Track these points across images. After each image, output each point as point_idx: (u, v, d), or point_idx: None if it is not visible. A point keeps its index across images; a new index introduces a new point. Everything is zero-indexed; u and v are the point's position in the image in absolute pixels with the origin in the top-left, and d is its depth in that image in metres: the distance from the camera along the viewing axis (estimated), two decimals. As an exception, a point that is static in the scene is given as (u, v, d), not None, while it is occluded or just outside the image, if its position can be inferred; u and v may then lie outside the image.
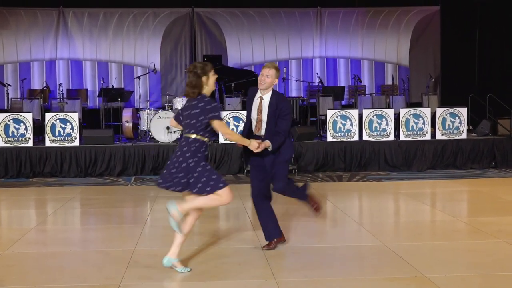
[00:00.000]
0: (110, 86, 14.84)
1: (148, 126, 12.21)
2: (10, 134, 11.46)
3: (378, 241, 6.30)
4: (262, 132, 5.81)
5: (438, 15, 16.55)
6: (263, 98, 5.82)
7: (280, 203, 8.51)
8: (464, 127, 12.30)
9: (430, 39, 16.68)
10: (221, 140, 11.64)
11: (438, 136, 12.25)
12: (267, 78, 5.75)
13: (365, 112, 12.14)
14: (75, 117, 11.69)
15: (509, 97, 12.94)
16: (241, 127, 11.70)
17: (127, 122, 12.88)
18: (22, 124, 11.52)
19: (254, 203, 5.98)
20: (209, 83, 5.32)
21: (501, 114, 13.34)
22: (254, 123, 5.87)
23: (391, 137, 12.08)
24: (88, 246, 6.45)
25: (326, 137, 12.15)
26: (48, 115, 11.71)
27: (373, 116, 12.07)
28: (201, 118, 5.12)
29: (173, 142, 11.82)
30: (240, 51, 16.31)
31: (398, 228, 7.39)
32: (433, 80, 15.60)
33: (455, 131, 12.27)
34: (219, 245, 6.22)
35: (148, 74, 15.05)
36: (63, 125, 11.59)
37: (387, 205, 8.98)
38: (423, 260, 5.57)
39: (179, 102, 12.47)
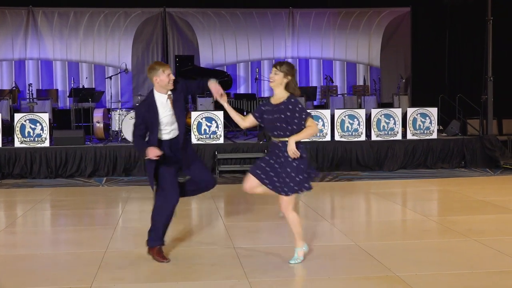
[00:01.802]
0: (80, 87, 14.70)
1: (120, 126, 12.12)
2: (-21, 135, 11.29)
3: (350, 241, 6.34)
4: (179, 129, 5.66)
5: (408, 16, 16.71)
6: (171, 96, 5.59)
7: (255, 204, 8.53)
8: (434, 127, 12.44)
9: (400, 40, 16.84)
10: (193, 140, 11.60)
11: (409, 136, 12.37)
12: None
13: (337, 112, 12.21)
14: (45, 117, 11.55)
15: (478, 98, 13.12)
16: (213, 127, 11.68)
17: (98, 122, 12.76)
18: (-10, 124, 11.36)
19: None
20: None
21: (471, 114, 13.53)
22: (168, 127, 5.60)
23: (363, 137, 12.17)
24: (58, 248, 6.38)
25: (298, 137, 12.15)
26: (17, 116, 11.55)
27: (345, 116, 12.14)
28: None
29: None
30: (212, 52, 16.28)
31: (370, 228, 7.45)
32: (404, 80, 15.75)
33: (425, 131, 12.40)
34: (191, 245, 6.20)
35: (119, 74, 14.94)
36: (32, 126, 11.44)
37: (359, 205, 9.04)
38: (395, 259, 5.62)
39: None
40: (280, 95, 5.34)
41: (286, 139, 5.25)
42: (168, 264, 5.51)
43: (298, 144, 5.25)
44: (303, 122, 5.26)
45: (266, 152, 5.45)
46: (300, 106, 5.25)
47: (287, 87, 5.31)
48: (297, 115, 5.24)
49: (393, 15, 16.79)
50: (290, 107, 5.23)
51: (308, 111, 5.31)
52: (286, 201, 5.36)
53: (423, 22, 16.53)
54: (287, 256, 5.74)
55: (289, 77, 5.29)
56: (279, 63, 5.36)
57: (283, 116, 5.23)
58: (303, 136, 5.25)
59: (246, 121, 5.69)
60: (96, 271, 5.33)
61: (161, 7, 15.95)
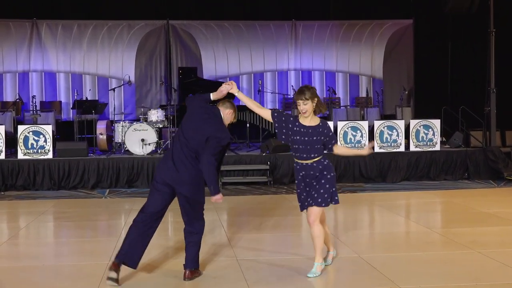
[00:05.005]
0: (84, 98, 14.72)
1: (123, 138, 12.14)
2: (-18, 147, 11.31)
3: (354, 253, 6.32)
4: None
5: (411, 28, 16.75)
6: None
7: (255, 216, 8.52)
8: (437, 138, 12.44)
9: (403, 52, 16.86)
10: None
11: (412, 148, 12.36)
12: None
13: (340, 124, 12.21)
14: (48, 129, 11.57)
15: (481, 109, 13.12)
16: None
17: (101, 134, 12.78)
18: (-6, 136, 11.37)
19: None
20: None
21: (473, 126, 13.51)
22: None
23: (366, 149, 12.13)
24: (61, 260, 6.37)
25: (301, 149, 12.14)
26: (20, 128, 11.58)
27: (347, 128, 12.14)
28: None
29: (147, 154, 11.75)
30: (215, 63, 16.32)
31: (373, 240, 7.43)
32: (406, 92, 15.76)
33: (428, 142, 12.39)
34: (194, 258, 6.18)
35: (122, 86, 14.96)
36: (36, 138, 11.46)
37: (362, 217, 9.02)
38: (398, 271, 5.60)
39: (154, 115, 12.42)
40: (312, 118, 5.56)
41: (319, 157, 5.47)
42: (171, 277, 5.50)
43: (329, 163, 5.53)
44: (330, 146, 5.57)
45: (297, 178, 5.65)
46: (331, 131, 5.64)
47: (316, 109, 5.55)
48: (328, 139, 5.54)
49: (396, 27, 16.82)
50: (325, 131, 5.53)
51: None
52: (317, 213, 5.44)
53: (426, 34, 16.55)
54: (290, 267, 5.73)
55: (316, 99, 5.52)
56: (301, 93, 5.55)
57: (322, 138, 5.48)
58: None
59: (262, 111, 5.77)
60: (98, 283, 5.32)
61: (164, 19, 16.02)
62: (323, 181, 5.42)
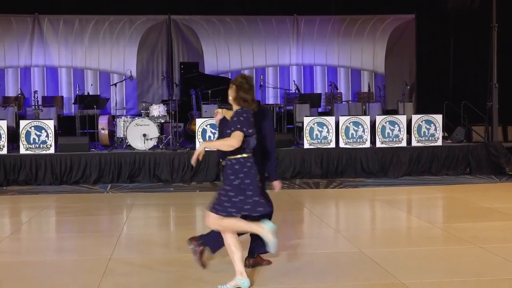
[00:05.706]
0: (85, 93, 14.72)
1: (125, 133, 12.14)
2: (-16, 142, 11.32)
3: (355, 248, 6.32)
4: None
5: (413, 23, 16.71)
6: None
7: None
8: (439, 134, 12.42)
9: (405, 47, 16.83)
10: (198, 147, 11.57)
11: (414, 143, 12.35)
12: None
13: (342, 119, 12.21)
14: (50, 124, 11.58)
15: (483, 104, 13.09)
16: (218, 134, 11.66)
17: (103, 129, 12.78)
18: (-4, 131, 11.38)
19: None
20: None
21: (475, 121, 13.50)
22: None
23: (367, 144, 12.15)
24: (63, 255, 6.38)
25: (303, 144, 12.17)
26: (22, 123, 11.58)
27: (349, 123, 12.13)
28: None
29: (149, 149, 11.76)
30: (217, 58, 16.31)
31: (375, 235, 7.43)
32: (408, 87, 15.73)
33: (430, 138, 12.38)
34: (196, 252, 6.19)
35: (124, 81, 14.96)
36: (38, 133, 11.46)
37: (364, 212, 9.02)
38: (400, 266, 5.60)
39: (156, 110, 12.42)
40: (234, 109, 4.89)
41: (232, 156, 4.81)
42: (172, 272, 5.50)
43: (242, 168, 4.77)
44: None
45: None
46: (237, 122, 4.71)
47: (237, 100, 4.85)
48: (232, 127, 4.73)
49: (398, 22, 16.80)
50: (230, 122, 4.80)
51: (241, 126, 4.70)
52: (213, 219, 4.87)
53: (428, 29, 16.51)
54: (291, 262, 5.73)
55: (234, 87, 4.86)
56: None
57: (228, 131, 4.76)
58: (215, 144, 4.93)
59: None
60: (100, 278, 5.33)
61: (166, 14, 16.01)
62: (224, 188, 4.82)
